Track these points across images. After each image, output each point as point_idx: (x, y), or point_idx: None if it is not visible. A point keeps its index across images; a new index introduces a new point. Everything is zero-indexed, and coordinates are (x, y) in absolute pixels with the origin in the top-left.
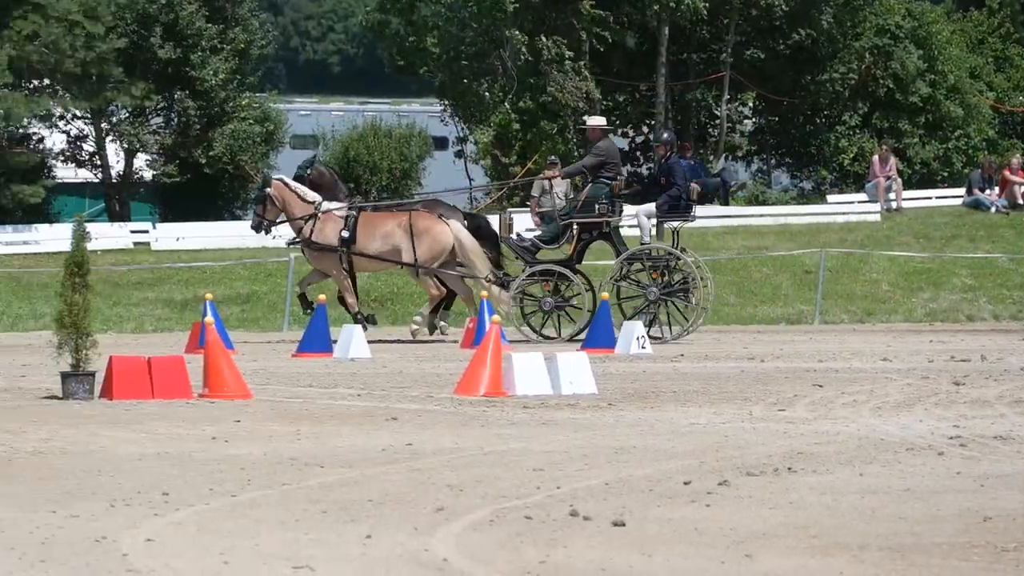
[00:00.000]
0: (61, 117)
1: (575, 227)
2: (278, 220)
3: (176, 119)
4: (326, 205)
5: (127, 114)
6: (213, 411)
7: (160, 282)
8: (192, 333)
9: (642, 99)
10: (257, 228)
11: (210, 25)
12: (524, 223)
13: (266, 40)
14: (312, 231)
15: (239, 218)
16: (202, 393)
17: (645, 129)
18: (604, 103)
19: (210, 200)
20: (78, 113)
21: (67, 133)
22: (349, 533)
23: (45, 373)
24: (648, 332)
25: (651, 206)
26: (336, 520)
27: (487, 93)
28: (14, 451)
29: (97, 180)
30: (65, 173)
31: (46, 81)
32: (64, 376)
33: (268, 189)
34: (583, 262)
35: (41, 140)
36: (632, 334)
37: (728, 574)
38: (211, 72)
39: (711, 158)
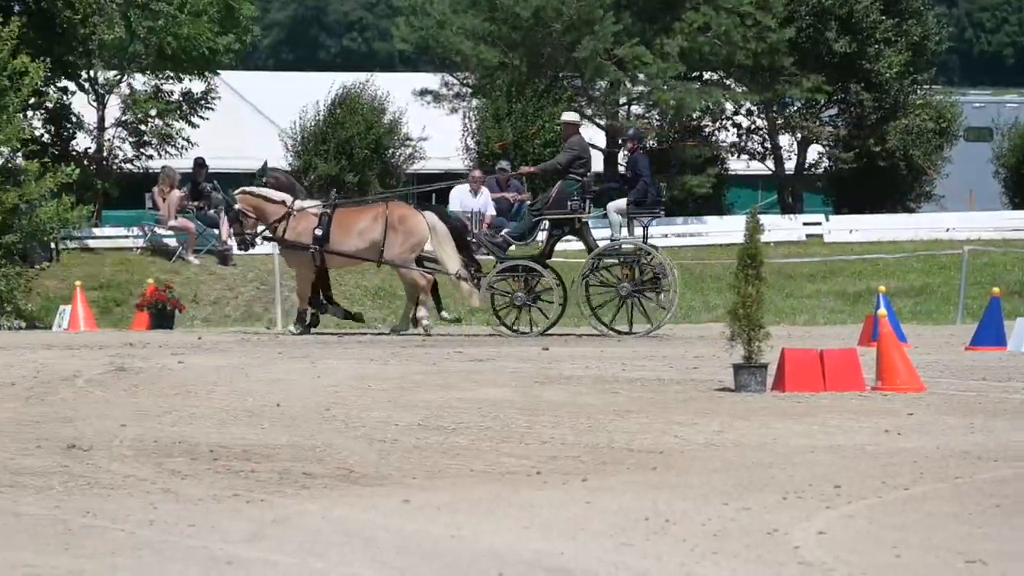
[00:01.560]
0: (736, 112)
1: (546, 223)
2: (260, 230)
3: (850, 111)
4: (299, 203)
5: (799, 106)
6: (885, 404)
7: (832, 274)
8: (864, 326)
9: None
10: (241, 245)
11: (885, 18)
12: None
13: (941, 36)
14: (285, 230)
15: (912, 210)
16: (874, 386)
17: None
18: None
19: (884, 192)
20: (749, 105)
21: (738, 126)
22: None
23: (717, 365)
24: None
25: (622, 202)
26: (1010, 514)
27: None
28: (686, 443)
29: (769, 172)
30: (737, 165)
31: (714, 75)
32: (736, 368)
33: (236, 206)
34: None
35: (712, 133)
36: None
37: None
38: (885, 65)
39: None
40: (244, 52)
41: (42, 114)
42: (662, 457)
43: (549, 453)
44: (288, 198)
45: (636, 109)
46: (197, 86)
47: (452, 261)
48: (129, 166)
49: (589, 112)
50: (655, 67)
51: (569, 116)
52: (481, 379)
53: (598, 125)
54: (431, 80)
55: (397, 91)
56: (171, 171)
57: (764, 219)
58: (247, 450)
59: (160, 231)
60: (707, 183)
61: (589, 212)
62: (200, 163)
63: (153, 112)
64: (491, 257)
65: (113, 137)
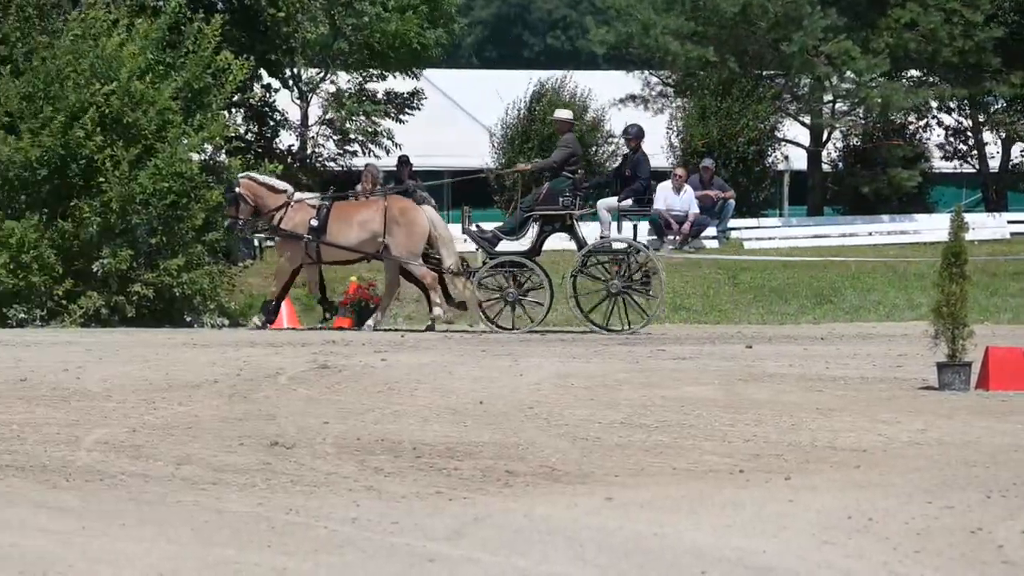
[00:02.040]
0: (939, 108)
1: (538, 218)
2: (254, 219)
3: None
4: (299, 195)
5: (1004, 104)
6: None
7: None
8: None
9: None
10: (232, 229)
11: None
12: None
13: None
14: (282, 219)
15: None
16: None
17: None
18: None
19: None
20: (953, 105)
21: (941, 124)
22: None
23: (921, 363)
24: (607, 325)
25: (613, 200)
26: None
27: None
28: (889, 441)
29: (974, 171)
30: (942, 164)
31: (918, 72)
32: (940, 366)
33: (237, 189)
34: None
35: (916, 132)
36: None
37: None
38: None
39: None
40: (452, 45)
41: (246, 112)
42: (865, 455)
43: (752, 451)
44: (290, 188)
45: (840, 106)
46: (403, 84)
47: (449, 255)
48: (332, 164)
49: (792, 109)
50: (862, 63)
51: (562, 113)
52: (684, 377)
53: (802, 123)
54: (632, 82)
55: (599, 88)
56: (374, 169)
57: (968, 217)
58: (450, 448)
59: None
60: (915, 178)
61: (581, 209)
62: (404, 161)
63: (359, 112)
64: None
65: (317, 135)
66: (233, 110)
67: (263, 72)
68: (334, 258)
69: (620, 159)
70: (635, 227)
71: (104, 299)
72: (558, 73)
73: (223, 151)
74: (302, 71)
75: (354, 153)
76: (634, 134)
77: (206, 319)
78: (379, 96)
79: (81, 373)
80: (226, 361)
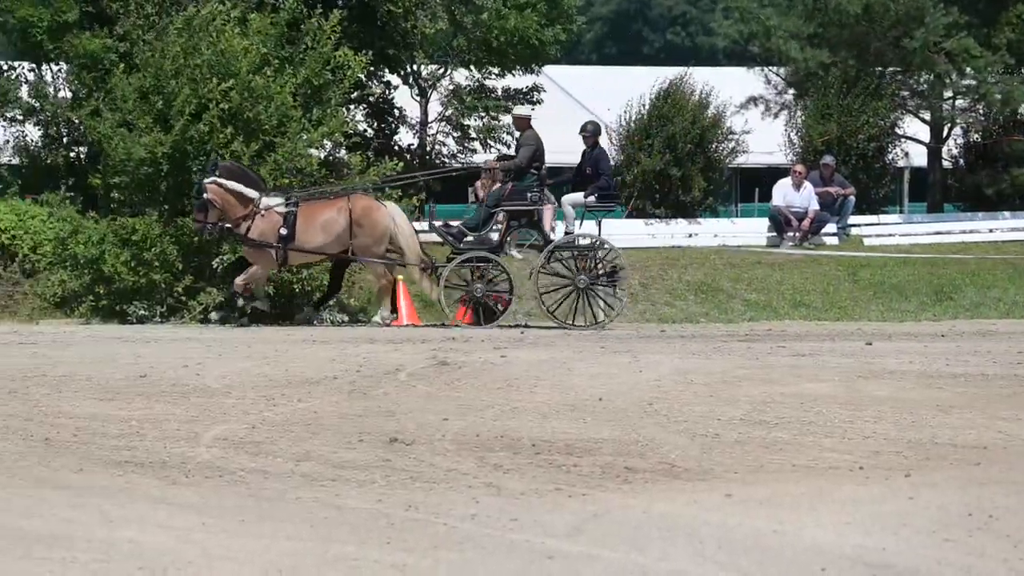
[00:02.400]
0: None
1: (502, 215)
2: (220, 222)
3: None
4: (265, 202)
5: None
6: None
7: None
8: None
9: None
10: (200, 232)
11: None
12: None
13: None
14: (249, 228)
15: None
16: None
17: None
18: None
19: None
20: None
21: None
22: None
23: None
24: (574, 321)
25: (578, 195)
26: None
27: None
28: (1010, 438)
29: None
30: None
31: None
32: None
33: (206, 194)
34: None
35: None
36: None
37: None
38: None
39: None
40: (570, 43)
41: (365, 108)
42: (985, 453)
43: (871, 448)
44: (257, 196)
45: (960, 103)
46: (521, 81)
47: (414, 252)
48: (452, 160)
49: (912, 106)
50: (983, 60)
51: (521, 110)
52: (803, 374)
53: (922, 120)
54: (753, 79)
55: (721, 85)
56: (495, 165)
57: None
58: (569, 444)
59: None
60: None
61: (547, 204)
62: None
63: (478, 108)
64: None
65: (436, 132)
66: (352, 106)
67: (383, 68)
68: (301, 261)
69: (580, 156)
70: (599, 223)
71: (224, 295)
72: (679, 70)
73: (342, 147)
74: (421, 67)
75: (473, 150)
76: (591, 131)
77: (326, 315)
78: (498, 93)
79: (201, 369)
80: (345, 358)
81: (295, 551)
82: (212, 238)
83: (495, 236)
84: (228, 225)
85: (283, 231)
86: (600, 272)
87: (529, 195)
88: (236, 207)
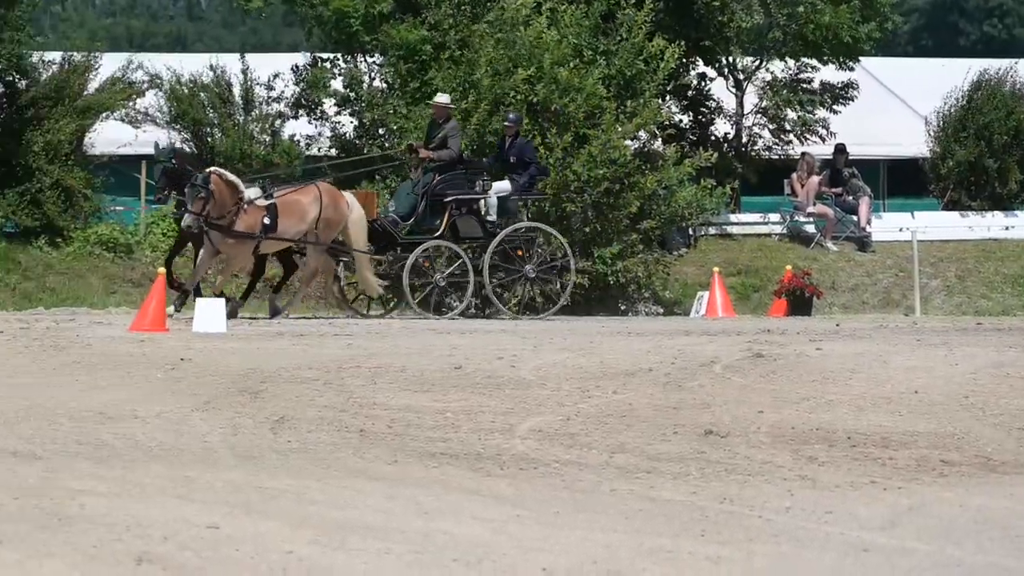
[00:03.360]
0: None
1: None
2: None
3: None
4: (249, 194)
5: None
6: None
7: None
8: None
9: None
10: (195, 226)
11: None
12: None
13: None
14: (233, 222)
15: None
16: None
17: None
18: None
19: None
20: None
21: None
22: None
23: None
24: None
25: (505, 184)
26: None
27: None
28: None
29: None
30: None
31: None
32: None
33: (211, 186)
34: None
35: None
36: None
37: None
38: None
39: None
40: (885, 40)
41: (680, 99)
42: None
43: None
44: (246, 192)
45: None
46: (836, 74)
47: (364, 241)
48: (768, 153)
49: None
50: None
51: (441, 98)
52: None
53: None
54: None
55: None
56: (810, 158)
57: None
58: (884, 437)
59: (799, 217)
60: None
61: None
62: (840, 149)
63: (794, 101)
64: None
65: (752, 124)
66: (667, 97)
67: (698, 60)
68: (274, 249)
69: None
70: (527, 212)
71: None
72: (1002, 62)
73: (657, 138)
74: (737, 59)
75: (788, 142)
76: (513, 120)
77: (640, 307)
78: (814, 85)
79: (516, 361)
80: (661, 349)
81: (609, 543)
82: (199, 231)
83: (437, 223)
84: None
85: (267, 221)
86: (550, 264)
87: (479, 183)
88: (227, 200)
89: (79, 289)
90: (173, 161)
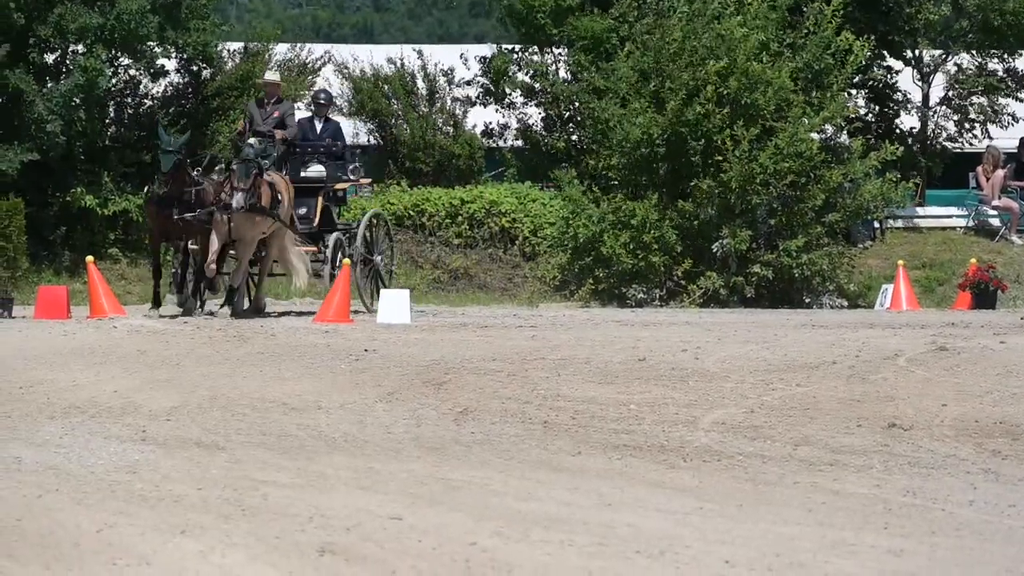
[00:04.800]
0: None
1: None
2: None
3: None
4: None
5: None
6: None
7: None
8: None
9: None
10: (246, 205)
11: None
12: None
13: None
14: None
15: None
16: None
17: None
18: None
19: None
20: None
21: None
22: None
23: None
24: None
25: (320, 168)
26: None
27: None
28: None
29: None
30: None
31: None
32: None
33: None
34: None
35: None
36: None
37: None
38: None
39: None
40: None
41: (866, 93)
42: None
43: None
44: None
45: None
46: (1022, 62)
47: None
48: (952, 144)
49: None
50: None
51: (271, 75)
52: None
53: None
54: None
55: None
56: (995, 150)
57: None
58: None
59: (984, 210)
60: None
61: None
62: None
63: (979, 89)
64: None
65: (937, 115)
66: (854, 91)
67: (884, 53)
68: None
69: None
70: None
71: (723, 280)
72: None
73: (843, 132)
74: (923, 51)
75: (973, 131)
76: (325, 100)
77: (825, 300)
78: (1000, 74)
79: (700, 353)
80: (844, 342)
81: (792, 535)
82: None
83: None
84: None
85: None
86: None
87: (356, 170)
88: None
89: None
90: (182, 152)
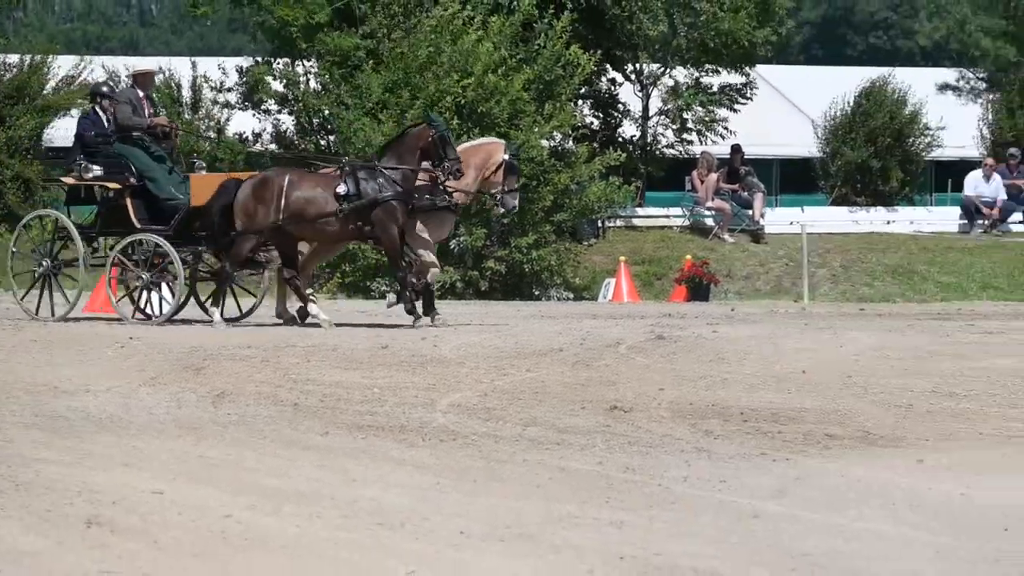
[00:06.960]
0: None
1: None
2: None
3: None
4: None
5: None
6: None
7: None
8: None
9: None
10: None
11: None
12: None
13: None
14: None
15: None
16: None
17: None
18: None
19: None
20: None
21: None
22: None
23: None
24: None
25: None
26: None
27: None
28: None
29: None
30: None
31: None
32: None
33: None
34: None
35: None
36: None
37: None
38: None
39: None
40: (781, 44)
41: (592, 103)
42: None
43: None
44: None
45: None
46: (735, 79)
47: None
48: (671, 151)
49: None
50: None
51: (145, 65)
52: (991, 350)
53: None
54: (949, 75)
55: (917, 84)
56: (710, 156)
57: None
58: (774, 413)
59: (699, 211)
60: None
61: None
62: (737, 149)
63: (695, 102)
64: None
65: (656, 124)
66: (580, 101)
67: (608, 66)
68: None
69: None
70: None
71: (460, 274)
72: (882, 70)
73: (570, 139)
74: (644, 66)
75: (690, 142)
76: (108, 91)
77: (553, 292)
78: (713, 88)
79: (438, 342)
80: (570, 331)
81: (522, 509)
82: None
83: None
84: None
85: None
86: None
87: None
88: None
89: None
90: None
